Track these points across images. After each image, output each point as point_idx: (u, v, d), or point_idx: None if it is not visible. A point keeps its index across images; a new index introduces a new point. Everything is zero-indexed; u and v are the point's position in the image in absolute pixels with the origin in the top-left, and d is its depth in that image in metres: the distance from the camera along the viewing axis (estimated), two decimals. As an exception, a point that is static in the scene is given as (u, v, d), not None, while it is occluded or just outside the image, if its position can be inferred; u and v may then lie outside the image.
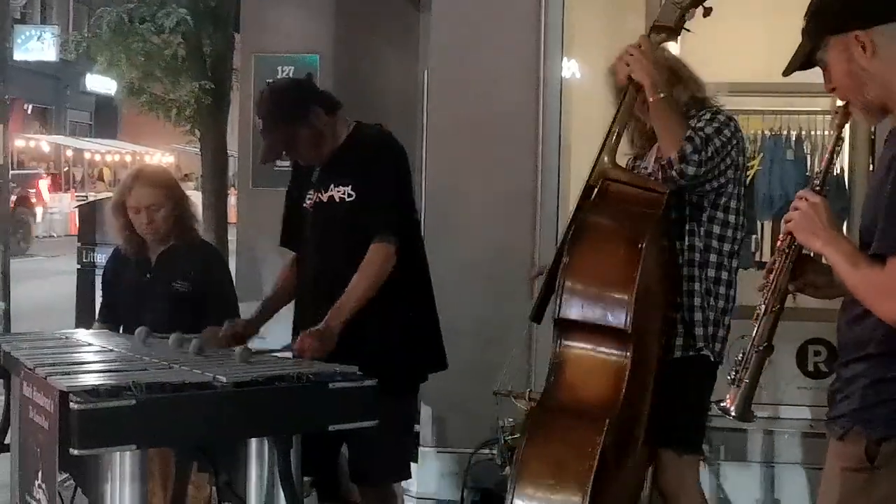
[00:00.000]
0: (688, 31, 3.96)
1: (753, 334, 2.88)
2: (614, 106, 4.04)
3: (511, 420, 4.96)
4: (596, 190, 3.92)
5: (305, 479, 3.94)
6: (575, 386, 3.82)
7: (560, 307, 3.79)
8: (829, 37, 2.73)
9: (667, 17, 3.94)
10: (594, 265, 3.81)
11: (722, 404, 2.90)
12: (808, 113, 6.91)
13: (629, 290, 3.68)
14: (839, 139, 2.91)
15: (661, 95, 3.84)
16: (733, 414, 2.87)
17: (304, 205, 4.25)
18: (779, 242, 2.91)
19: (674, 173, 3.81)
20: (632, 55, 3.87)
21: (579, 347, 3.83)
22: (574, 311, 3.80)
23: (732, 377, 2.89)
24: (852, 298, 2.69)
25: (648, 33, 3.95)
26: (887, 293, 2.54)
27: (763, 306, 2.88)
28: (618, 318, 3.70)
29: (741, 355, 2.90)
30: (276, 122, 4.14)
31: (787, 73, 2.89)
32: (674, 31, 3.95)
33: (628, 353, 3.72)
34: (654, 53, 3.90)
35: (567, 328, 3.84)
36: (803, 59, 2.82)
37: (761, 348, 2.86)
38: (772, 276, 2.87)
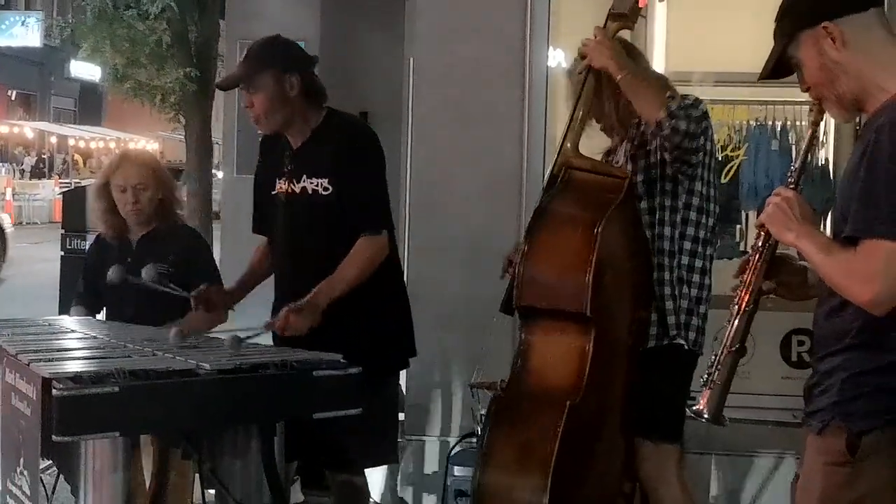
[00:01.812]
0: (643, 17, 3.99)
1: (726, 335, 2.86)
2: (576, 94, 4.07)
3: (488, 410, 4.97)
4: (559, 179, 3.94)
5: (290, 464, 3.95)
6: (538, 372, 3.84)
7: (520, 294, 3.81)
8: (799, 33, 2.74)
9: (621, 4, 3.98)
10: (551, 251, 3.83)
11: (695, 407, 2.87)
12: (794, 103, 6.90)
13: (586, 274, 3.69)
14: (814, 137, 2.92)
15: (625, 72, 3.85)
16: (706, 416, 2.85)
17: (274, 192, 4.22)
18: (753, 241, 2.91)
19: (666, 131, 3.77)
20: (587, 46, 3.91)
21: (541, 333, 3.85)
22: (533, 297, 3.82)
23: (705, 379, 2.87)
24: (829, 291, 2.68)
25: (605, 22, 3.97)
26: (860, 275, 2.53)
27: (736, 306, 2.86)
28: (577, 302, 3.71)
29: (713, 357, 2.87)
30: (254, 58, 4.13)
31: (761, 77, 2.89)
32: (628, 19, 3.98)
33: (590, 338, 3.73)
34: (612, 41, 3.91)
35: (529, 315, 3.87)
36: (776, 62, 2.82)
37: (734, 349, 2.84)
38: (745, 276, 2.86)
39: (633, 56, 4.07)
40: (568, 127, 3.98)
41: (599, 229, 3.71)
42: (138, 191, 4.61)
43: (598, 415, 3.84)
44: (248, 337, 3.72)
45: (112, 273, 4.36)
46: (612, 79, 3.90)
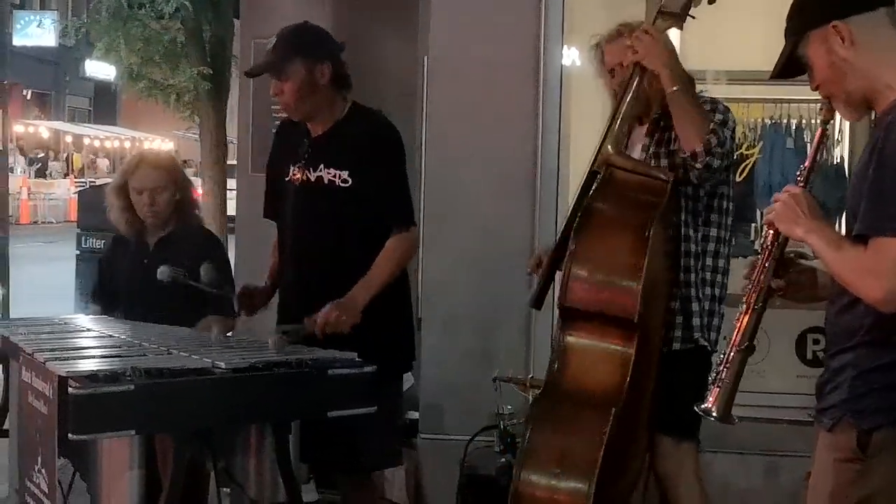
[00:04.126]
0: (692, 17, 3.93)
1: (735, 333, 2.85)
2: (606, 86, 4.05)
3: (510, 407, 4.96)
4: (600, 177, 3.92)
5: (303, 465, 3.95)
6: (580, 374, 3.82)
7: (565, 294, 3.79)
8: (808, 32, 2.75)
9: (673, 2, 3.91)
10: (601, 252, 3.80)
11: (703, 406, 2.86)
12: (808, 101, 6.89)
13: (637, 279, 3.67)
14: (824, 135, 2.92)
15: (678, 87, 3.79)
16: (715, 415, 2.84)
17: (287, 178, 4.16)
18: (761, 240, 2.91)
19: (699, 165, 3.77)
20: (641, 41, 3.84)
21: (585, 336, 3.82)
22: (580, 298, 3.79)
23: (714, 377, 2.86)
24: (841, 289, 2.68)
25: (654, 20, 3.92)
26: (870, 272, 2.53)
27: (744, 304, 2.86)
28: (625, 307, 3.70)
29: (722, 355, 2.87)
30: (285, 45, 4.06)
31: (772, 77, 2.89)
32: (679, 18, 3.91)
33: (633, 343, 3.72)
34: (669, 44, 3.86)
35: (572, 315, 3.83)
36: (786, 61, 2.83)
37: (742, 348, 2.83)
38: (754, 274, 2.86)
39: None
40: (609, 126, 3.92)
41: (650, 233, 3.70)
42: (155, 193, 4.61)
43: (633, 414, 3.83)
44: (286, 332, 3.73)
45: (162, 272, 4.29)
46: (655, 76, 3.86)
